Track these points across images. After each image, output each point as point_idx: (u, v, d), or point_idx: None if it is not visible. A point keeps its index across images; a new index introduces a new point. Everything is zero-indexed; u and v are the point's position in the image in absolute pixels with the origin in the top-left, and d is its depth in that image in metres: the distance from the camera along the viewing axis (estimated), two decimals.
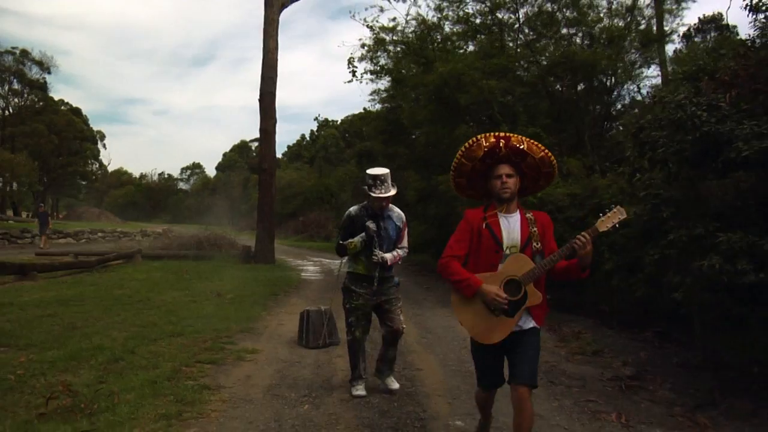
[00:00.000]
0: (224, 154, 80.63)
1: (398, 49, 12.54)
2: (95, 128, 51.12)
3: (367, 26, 12.17)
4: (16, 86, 33.19)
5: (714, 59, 4.82)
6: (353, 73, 12.64)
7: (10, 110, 33.85)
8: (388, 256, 4.17)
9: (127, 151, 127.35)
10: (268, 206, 16.52)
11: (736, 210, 3.80)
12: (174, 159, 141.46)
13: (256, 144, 77.59)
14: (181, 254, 16.36)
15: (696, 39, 21.04)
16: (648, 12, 12.39)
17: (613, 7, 11.58)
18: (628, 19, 11.65)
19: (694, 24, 19.46)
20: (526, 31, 11.95)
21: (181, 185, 78.25)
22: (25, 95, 33.23)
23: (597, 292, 7.47)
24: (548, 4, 11.79)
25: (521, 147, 2.79)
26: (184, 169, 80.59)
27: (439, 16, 11.12)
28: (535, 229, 2.82)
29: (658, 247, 4.23)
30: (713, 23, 21.60)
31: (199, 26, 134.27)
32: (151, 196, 68.80)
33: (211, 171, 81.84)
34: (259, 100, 16.53)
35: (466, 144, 2.88)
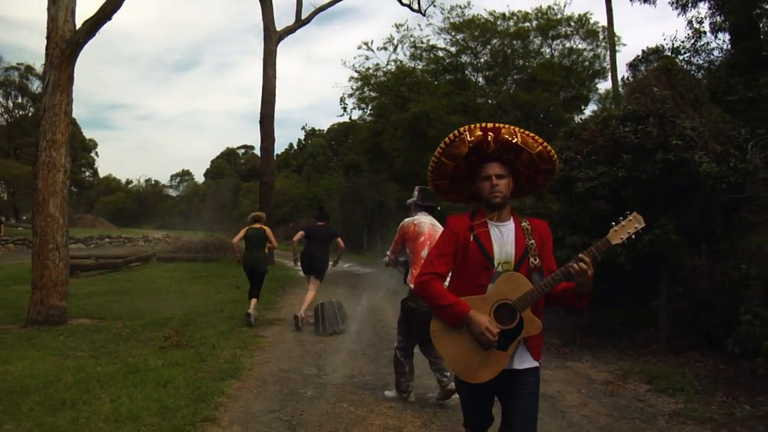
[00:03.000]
0: (212, 161, 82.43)
1: (382, 81, 15.10)
2: (87, 136, 52.91)
3: (356, 71, 14.83)
4: (20, 100, 35.13)
5: (585, 122, 7.37)
6: (344, 109, 15.26)
7: (8, 120, 35.61)
8: None
9: (112, 157, 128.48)
10: (268, 214, 18.86)
11: (580, 222, 6.30)
12: (159, 164, 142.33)
13: (243, 151, 79.85)
14: (191, 257, 18.62)
15: (641, 68, 23.86)
16: (586, 54, 15.07)
17: (555, 53, 14.22)
18: (570, 61, 14.30)
19: (639, 55, 22.25)
20: (486, 69, 14.56)
21: (171, 192, 79.73)
22: (28, 108, 35.11)
23: None
24: (505, 50, 14.40)
25: (514, 141, 2.27)
26: (173, 176, 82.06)
27: (412, 63, 13.74)
28: (533, 241, 2.30)
29: None
30: (656, 54, 24.42)
31: (182, 31, 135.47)
32: (141, 203, 70.37)
33: (199, 177, 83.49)
34: (260, 122, 18.92)
35: (447, 139, 2.33)
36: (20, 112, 35.59)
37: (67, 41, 7.45)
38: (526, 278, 2.23)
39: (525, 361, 2.28)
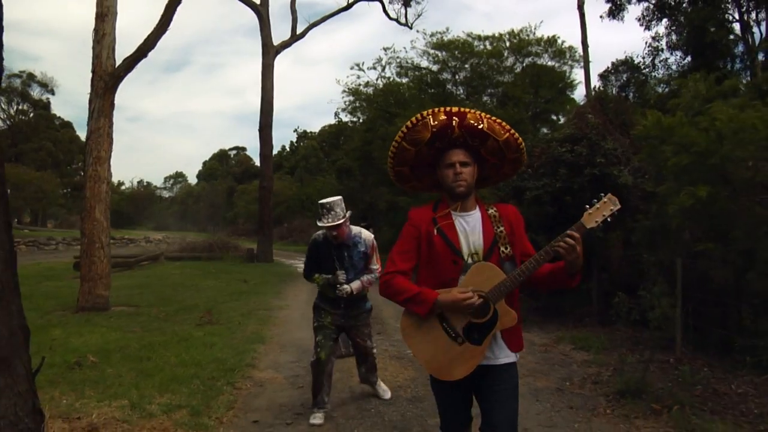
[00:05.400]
0: (204, 163, 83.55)
1: (371, 96, 16.76)
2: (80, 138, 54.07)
3: (348, 88, 16.61)
4: (22, 107, 36.43)
5: (538, 140, 9.02)
6: (339, 122, 17.01)
7: (7, 124, 36.84)
8: (354, 285, 3.96)
9: None
10: (267, 216, 20.43)
11: (529, 223, 7.95)
12: (151, 166, 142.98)
13: (235, 152, 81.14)
14: (195, 256, 20.11)
15: (611, 78, 25.60)
16: (556, 71, 16.72)
17: (526, 67, 15.90)
18: (538, 78, 15.96)
19: (609, 67, 24.03)
20: (465, 84, 16.22)
21: (165, 193, 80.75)
22: (29, 114, 36.39)
23: None
24: (481, 68, 16.07)
25: (480, 127, 2.14)
26: (167, 178, 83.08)
27: (399, 79, 15.48)
28: (502, 228, 2.20)
29: None
30: (625, 65, 26.16)
31: (172, 32, 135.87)
32: (136, 205, 71.34)
33: (192, 179, 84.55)
34: (259, 131, 20.46)
35: (409, 123, 2.20)
36: (22, 118, 36.81)
37: (109, 75, 8.97)
38: (498, 268, 2.13)
39: (501, 356, 2.20)
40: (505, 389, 2.21)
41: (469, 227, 2.23)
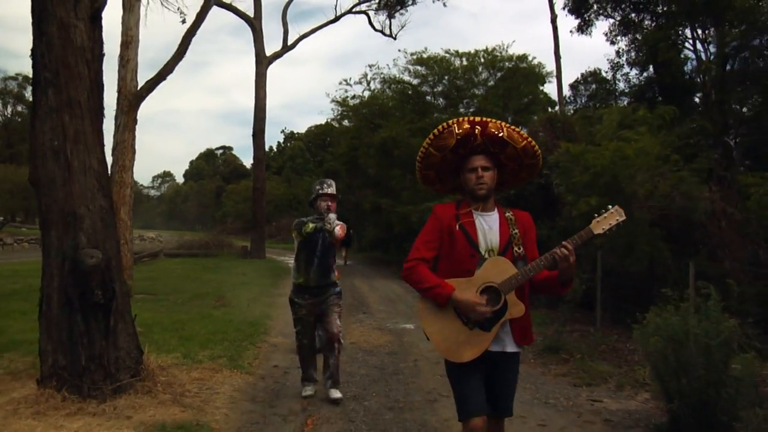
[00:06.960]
0: (191, 162, 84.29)
1: (358, 107, 18.38)
2: None
3: (337, 101, 18.27)
4: (18, 108, 37.31)
5: None
6: (326, 122, 18.59)
7: (6, 127, 37.81)
8: (337, 227, 4.37)
9: None
10: (260, 216, 21.89)
11: None
12: (137, 164, 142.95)
13: (221, 152, 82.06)
14: (193, 253, 21.50)
15: (581, 87, 27.35)
16: (523, 88, 18.38)
17: (498, 81, 17.58)
18: (509, 92, 17.65)
19: (578, 78, 25.80)
20: (443, 97, 17.88)
21: (152, 192, 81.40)
22: (26, 116, 37.32)
23: None
24: (458, 82, 17.71)
25: (500, 135, 2.37)
26: (155, 177, 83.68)
27: (383, 91, 17.16)
28: (517, 230, 2.43)
29: None
30: (593, 76, 27.86)
31: (157, 30, 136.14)
32: None
33: (179, 178, 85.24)
34: (253, 136, 21.91)
35: (436, 131, 2.43)
36: (18, 120, 37.71)
37: (132, 94, 10.41)
38: (511, 263, 2.35)
39: (509, 346, 2.41)
40: (511, 379, 2.49)
41: (488, 226, 2.44)
